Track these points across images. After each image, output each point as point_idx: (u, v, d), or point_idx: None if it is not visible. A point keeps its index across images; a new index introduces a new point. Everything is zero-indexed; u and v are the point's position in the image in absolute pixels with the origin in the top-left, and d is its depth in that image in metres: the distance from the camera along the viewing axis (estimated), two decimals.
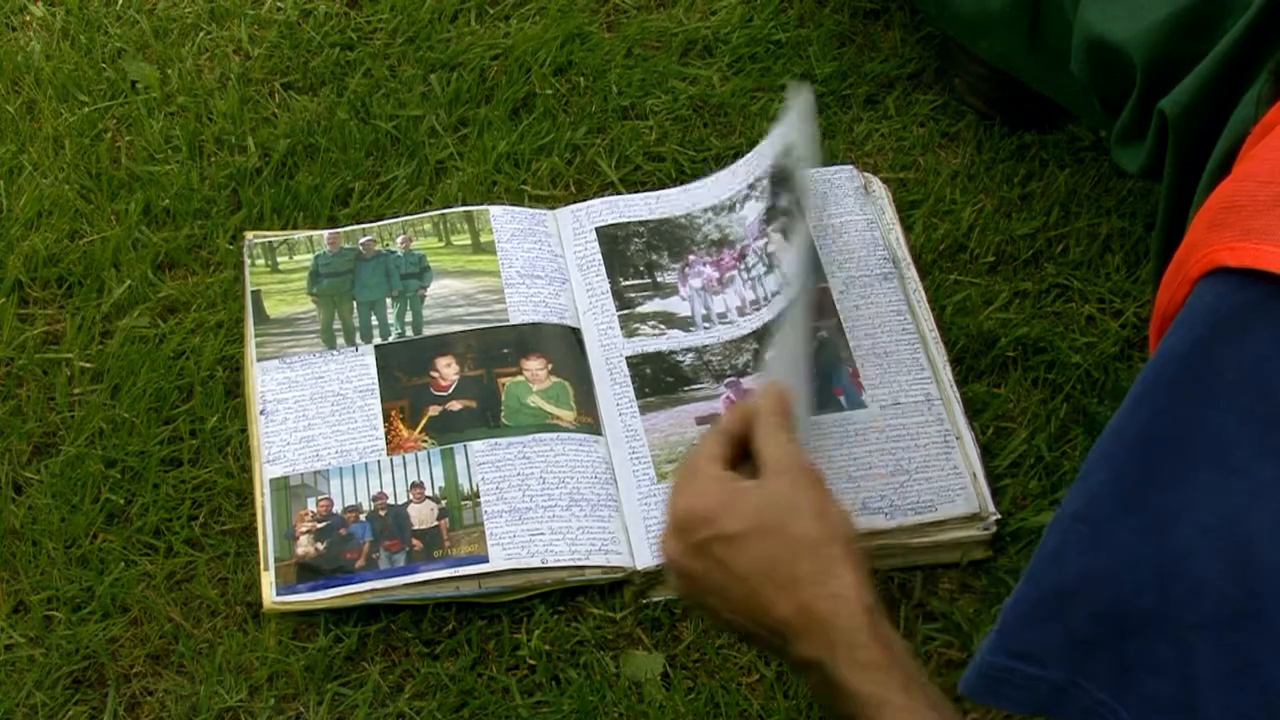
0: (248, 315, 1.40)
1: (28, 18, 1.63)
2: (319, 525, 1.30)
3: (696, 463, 1.12)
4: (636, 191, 1.50)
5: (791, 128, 1.38)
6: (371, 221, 1.47)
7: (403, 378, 1.38)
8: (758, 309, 1.41)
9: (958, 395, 1.36)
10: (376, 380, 1.38)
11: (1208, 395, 0.80)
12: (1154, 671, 0.82)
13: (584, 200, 1.49)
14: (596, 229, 1.47)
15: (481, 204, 1.49)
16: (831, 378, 1.37)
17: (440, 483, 1.32)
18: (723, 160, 1.54)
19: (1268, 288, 0.79)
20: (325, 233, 1.46)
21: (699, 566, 1.08)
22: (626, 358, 1.39)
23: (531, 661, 1.24)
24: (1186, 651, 0.81)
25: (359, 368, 1.39)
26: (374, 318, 1.41)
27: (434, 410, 1.36)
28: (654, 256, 1.45)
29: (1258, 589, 0.79)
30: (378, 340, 1.40)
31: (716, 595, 1.08)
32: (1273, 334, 0.79)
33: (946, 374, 1.37)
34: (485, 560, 1.27)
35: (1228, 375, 0.80)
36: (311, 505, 1.31)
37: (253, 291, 1.41)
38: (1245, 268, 0.80)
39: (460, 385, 1.38)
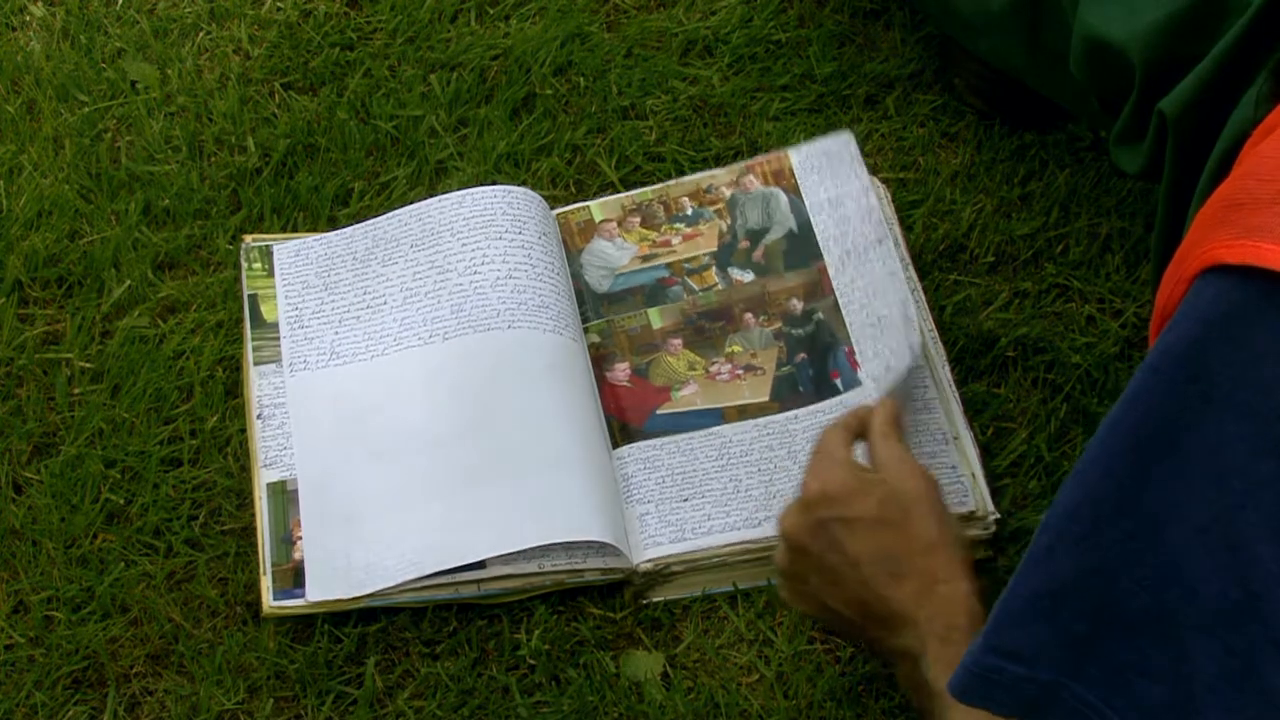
0: (245, 319, 1.40)
1: (28, 18, 1.63)
2: None
3: (829, 449, 1.17)
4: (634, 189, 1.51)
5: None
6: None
7: None
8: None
9: (957, 395, 1.36)
10: None
11: (1203, 393, 0.79)
12: (1147, 675, 0.81)
13: (583, 200, 1.49)
14: None
15: None
16: (827, 359, 1.37)
17: None
18: (723, 160, 1.54)
19: (1267, 285, 0.79)
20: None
21: (816, 544, 1.12)
22: None
23: (531, 661, 1.24)
24: (1183, 654, 0.80)
25: None
26: None
27: None
28: None
29: (1257, 589, 0.79)
30: None
31: (824, 576, 1.12)
32: (1271, 331, 0.78)
33: (945, 374, 1.37)
34: (483, 565, 1.27)
35: (1224, 372, 0.79)
36: None
37: (249, 295, 1.41)
38: (1244, 265, 0.79)
39: None
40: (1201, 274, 0.82)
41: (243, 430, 1.35)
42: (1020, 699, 0.86)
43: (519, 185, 1.49)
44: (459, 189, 1.49)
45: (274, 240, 1.45)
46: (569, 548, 1.27)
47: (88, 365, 1.38)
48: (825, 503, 1.13)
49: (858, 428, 1.20)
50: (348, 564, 1.26)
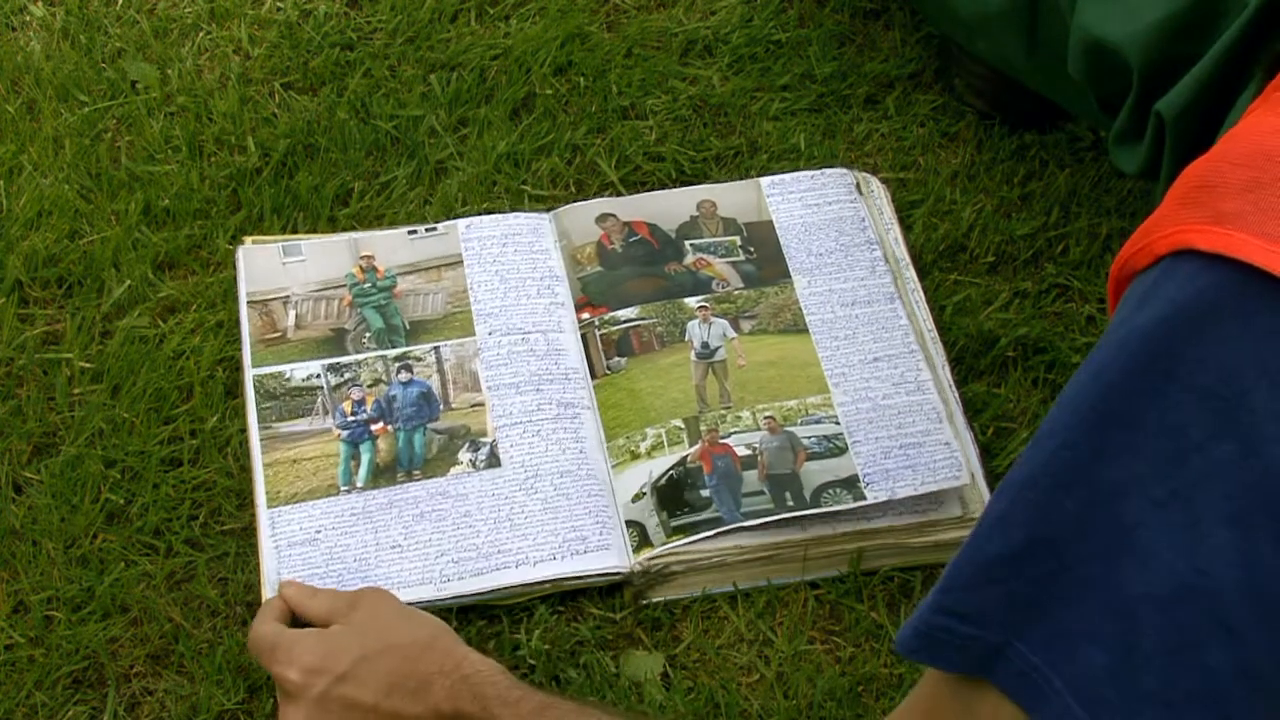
0: (243, 321, 1.40)
1: (28, 18, 1.63)
2: None
3: (270, 636, 1.17)
4: (636, 192, 1.51)
5: None
6: (371, 221, 1.48)
7: None
8: None
9: (957, 395, 1.36)
10: None
11: (1166, 374, 0.80)
12: (1093, 641, 0.82)
13: (583, 200, 1.49)
14: None
15: (482, 204, 1.49)
16: None
17: None
18: (723, 160, 1.54)
19: (1236, 273, 0.80)
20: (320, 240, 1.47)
21: (332, 717, 1.13)
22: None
23: (531, 661, 1.24)
24: (1128, 624, 0.81)
25: None
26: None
27: None
28: None
29: (1205, 567, 0.80)
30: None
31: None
32: (1238, 319, 0.79)
33: (945, 374, 1.37)
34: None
35: (1189, 355, 0.80)
36: None
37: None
38: (1214, 252, 0.80)
39: None
40: (1171, 254, 0.82)
41: (243, 430, 1.35)
42: (967, 658, 0.87)
43: (517, 185, 1.49)
44: (458, 190, 1.49)
45: (273, 242, 1.45)
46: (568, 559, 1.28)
47: (88, 365, 1.38)
48: (310, 677, 1.14)
49: (282, 615, 1.21)
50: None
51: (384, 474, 1.32)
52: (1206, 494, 0.80)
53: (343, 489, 1.31)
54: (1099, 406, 0.82)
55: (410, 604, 1.23)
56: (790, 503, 1.30)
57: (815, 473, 1.31)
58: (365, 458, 1.33)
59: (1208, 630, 0.80)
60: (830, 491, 1.30)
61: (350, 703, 1.13)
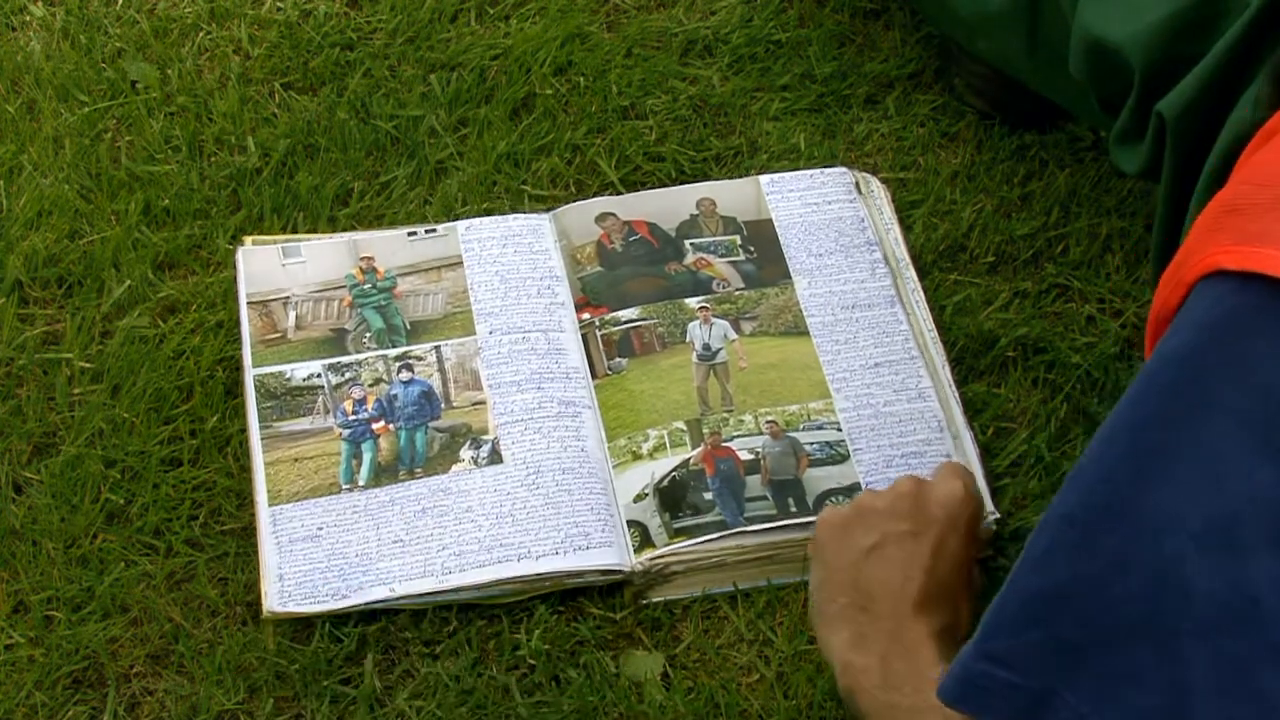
0: (242, 320, 1.40)
1: (28, 18, 1.63)
2: None
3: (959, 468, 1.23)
4: (635, 191, 1.51)
5: None
6: (371, 221, 1.48)
7: None
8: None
9: (957, 395, 1.36)
10: None
11: (1203, 399, 0.79)
12: (1139, 684, 0.80)
13: (582, 199, 1.49)
14: None
15: (482, 204, 1.49)
16: None
17: None
18: (722, 160, 1.54)
19: (1266, 290, 0.78)
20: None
21: (935, 528, 1.17)
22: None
23: (531, 661, 1.24)
24: (1177, 661, 0.79)
25: None
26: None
27: None
28: None
29: (1255, 594, 0.78)
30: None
31: (901, 546, 1.14)
32: (1270, 336, 0.78)
33: (945, 374, 1.37)
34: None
35: (1223, 377, 0.79)
36: None
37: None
38: (1244, 270, 0.79)
39: None
40: (1201, 279, 0.81)
41: (243, 430, 1.35)
42: (1013, 707, 0.85)
43: (517, 185, 1.49)
44: (458, 190, 1.49)
45: (272, 243, 1.45)
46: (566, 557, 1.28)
47: (88, 365, 1.38)
48: (959, 504, 1.19)
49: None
50: (313, 580, 1.26)
51: (386, 472, 1.32)
52: (1248, 520, 0.78)
53: (344, 487, 1.31)
54: (1136, 437, 0.81)
55: (410, 595, 1.25)
56: (793, 509, 1.30)
57: (818, 479, 1.32)
58: (367, 456, 1.33)
59: (1259, 655, 0.78)
60: (833, 499, 1.30)
61: (949, 534, 1.17)
